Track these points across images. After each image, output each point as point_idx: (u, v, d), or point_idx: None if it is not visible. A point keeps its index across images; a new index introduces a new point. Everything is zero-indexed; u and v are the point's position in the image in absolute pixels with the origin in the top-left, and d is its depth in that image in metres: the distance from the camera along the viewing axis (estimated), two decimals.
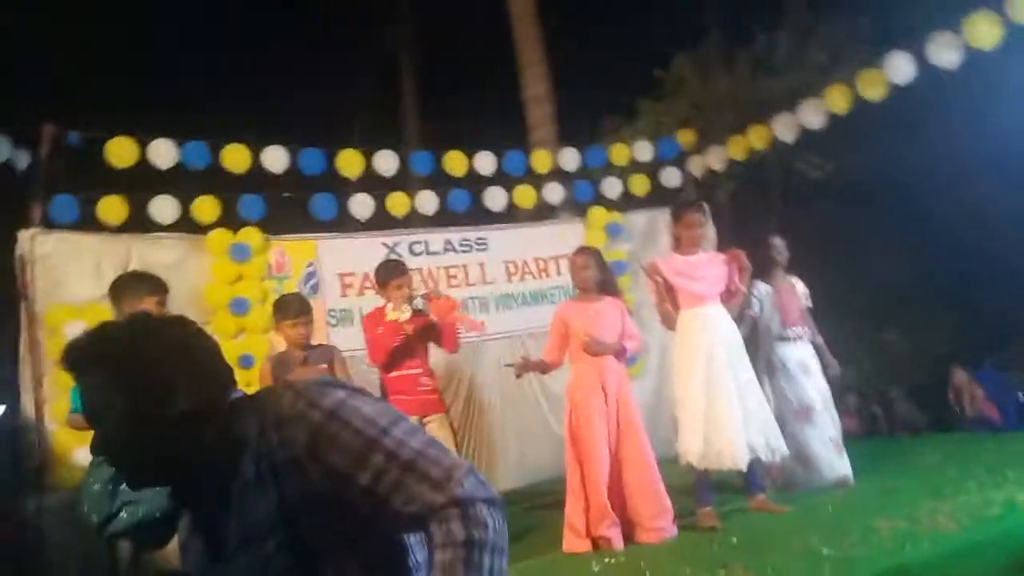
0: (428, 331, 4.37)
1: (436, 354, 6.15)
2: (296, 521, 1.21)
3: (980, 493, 4.04)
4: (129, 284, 3.63)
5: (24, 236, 5.02)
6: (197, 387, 1.29)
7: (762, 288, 5.07)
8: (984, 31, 4.93)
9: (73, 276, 5.10)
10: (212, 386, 1.32)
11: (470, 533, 1.18)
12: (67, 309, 4.90)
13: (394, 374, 4.32)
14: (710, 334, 4.40)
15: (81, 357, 1.31)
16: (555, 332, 4.40)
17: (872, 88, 5.72)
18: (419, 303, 4.44)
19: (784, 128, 6.44)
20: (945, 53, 5.16)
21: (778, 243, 5.23)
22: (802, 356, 5.03)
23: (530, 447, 6.47)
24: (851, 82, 5.88)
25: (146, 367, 1.27)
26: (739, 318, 4.73)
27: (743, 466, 4.25)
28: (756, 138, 6.72)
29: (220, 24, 11.59)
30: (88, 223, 5.26)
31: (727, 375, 4.33)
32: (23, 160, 5.11)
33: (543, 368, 4.44)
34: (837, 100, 5.96)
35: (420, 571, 1.31)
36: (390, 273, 4.39)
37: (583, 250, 4.59)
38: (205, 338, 1.37)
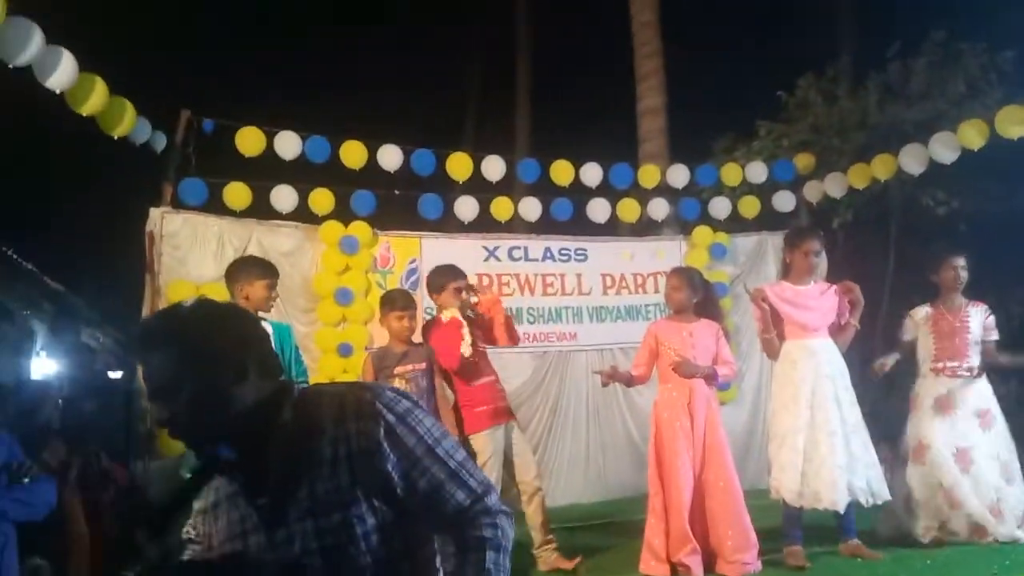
0: (484, 330, 4.29)
1: (523, 361, 6.25)
2: (364, 499, 1.38)
3: None
4: (243, 267, 3.88)
5: (155, 213, 5.39)
6: (266, 368, 1.43)
7: (920, 312, 4.66)
8: None
9: (196, 255, 5.43)
10: (276, 368, 1.46)
11: (497, 538, 1.42)
12: (188, 286, 5.21)
13: (474, 384, 4.22)
14: (816, 367, 4.20)
15: (155, 333, 1.40)
16: (645, 347, 4.32)
17: (1011, 126, 5.36)
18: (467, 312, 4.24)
19: (912, 160, 6.11)
20: None
21: (957, 263, 4.56)
22: (964, 392, 4.45)
23: (612, 461, 6.43)
24: (989, 118, 5.53)
25: (221, 345, 1.38)
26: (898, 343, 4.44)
27: (841, 508, 4.05)
28: (880, 167, 6.41)
29: (346, 30, 12.12)
30: (214, 206, 5.59)
31: (833, 412, 4.13)
32: (160, 143, 5.47)
33: (629, 381, 4.35)
34: (972, 136, 5.61)
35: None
36: (446, 276, 4.31)
37: (677, 271, 4.47)
38: (261, 327, 1.51)
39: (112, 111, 4.75)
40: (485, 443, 4.10)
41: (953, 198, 7.45)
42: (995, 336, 4.55)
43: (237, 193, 5.58)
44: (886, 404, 5.99)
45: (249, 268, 3.84)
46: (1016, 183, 7.71)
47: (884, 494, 4.17)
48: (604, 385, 4.39)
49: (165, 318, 1.45)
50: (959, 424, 4.41)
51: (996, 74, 7.43)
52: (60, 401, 5.20)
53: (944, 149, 5.88)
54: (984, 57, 7.51)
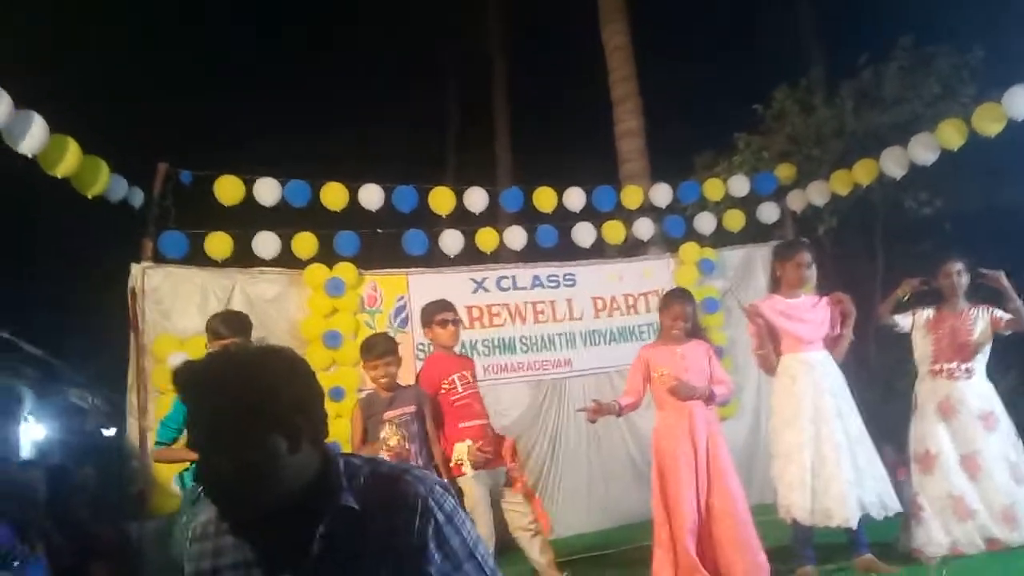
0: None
1: (519, 391, 6.18)
2: None
3: None
4: (213, 323, 3.81)
5: (136, 269, 5.33)
6: (318, 434, 1.32)
7: (924, 314, 4.56)
8: None
9: (180, 308, 5.37)
10: (325, 432, 1.35)
11: None
12: (173, 340, 5.15)
13: (462, 425, 4.13)
14: (815, 381, 4.14)
15: (200, 380, 1.29)
16: (635, 373, 4.23)
17: (988, 123, 5.37)
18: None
19: (892, 163, 6.12)
20: None
21: (951, 268, 4.46)
22: (963, 395, 4.37)
23: (616, 488, 6.31)
24: (965, 116, 5.54)
25: (275, 406, 1.26)
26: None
27: (854, 524, 3.97)
28: (862, 173, 6.42)
29: (319, 71, 12.12)
30: (195, 257, 5.53)
31: (836, 425, 4.06)
32: (138, 198, 5.43)
33: (618, 411, 4.19)
34: (951, 135, 5.62)
35: None
36: (430, 311, 4.30)
37: (677, 299, 4.25)
38: (318, 383, 1.40)
39: (86, 171, 4.71)
40: (470, 486, 4.01)
41: (936, 198, 7.47)
42: (1014, 307, 4.32)
43: (218, 243, 5.53)
44: (885, 407, 5.93)
45: (218, 325, 3.77)
46: (997, 179, 7.76)
47: (895, 505, 4.10)
48: (591, 421, 4.25)
49: (212, 361, 1.32)
50: (963, 428, 4.33)
51: (968, 72, 7.49)
52: (46, 474, 5.08)
53: (924, 150, 5.88)
54: (954, 57, 7.58)
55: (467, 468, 4.01)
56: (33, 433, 8.57)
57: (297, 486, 1.29)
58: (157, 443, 3.77)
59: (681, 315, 4.15)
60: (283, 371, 1.31)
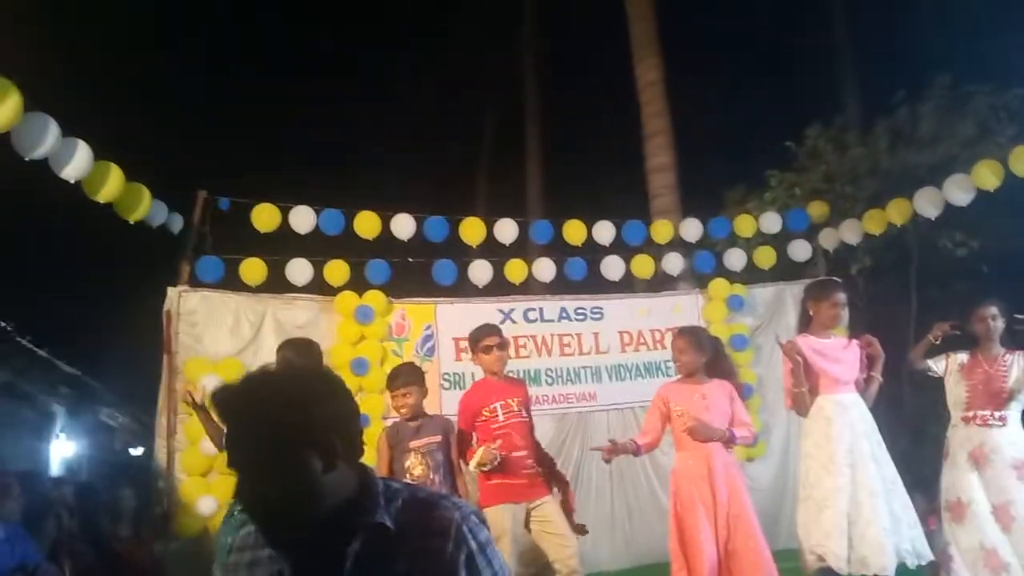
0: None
1: (543, 424, 6.14)
2: None
3: None
4: (284, 351, 3.74)
5: (172, 293, 5.45)
6: (354, 452, 1.34)
7: (958, 358, 4.47)
8: None
9: (212, 332, 5.47)
10: (361, 451, 1.38)
11: None
12: (205, 363, 5.23)
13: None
14: (851, 424, 4.04)
15: (234, 400, 1.30)
16: (653, 412, 4.15)
17: None
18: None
19: (927, 203, 6.06)
20: None
21: (986, 313, 4.38)
22: (997, 443, 4.23)
23: (639, 526, 6.23)
24: (1002, 157, 5.48)
25: (303, 414, 1.27)
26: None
27: (891, 572, 3.85)
28: (895, 212, 6.36)
29: (354, 99, 12.37)
30: (230, 282, 5.64)
31: (872, 470, 3.96)
32: (177, 224, 5.57)
33: (635, 451, 4.11)
34: (987, 176, 5.56)
35: None
36: (475, 335, 4.25)
37: (681, 332, 4.25)
38: (354, 400, 1.42)
39: (128, 197, 4.86)
40: (496, 519, 3.91)
41: (972, 239, 7.35)
42: None
43: (253, 269, 5.64)
44: (916, 452, 5.79)
45: (286, 354, 3.72)
46: None
47: (928, 554, 3.97)
48: (606, 461, 4.17)
49: (252, 385, 1.32)
50: (997, 478, 4.21)
51: (1006, 113, 7.41)
52: (75, 492, 5.16)
53: (959, 191, 5.82)
54: (992, 97, 7.50)
55: (474, 467, 3.94)
56: (63, 450, 8.73)
57: (333, 504, 1.30)
58: None
59: (679, 348, 4.10)
60: (316, 390, 1.33)
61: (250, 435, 1.28)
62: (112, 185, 4.65)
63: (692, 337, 4.16)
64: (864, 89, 10.53)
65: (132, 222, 4.99)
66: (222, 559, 3.16)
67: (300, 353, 3.69)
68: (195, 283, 5.56)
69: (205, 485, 5.03)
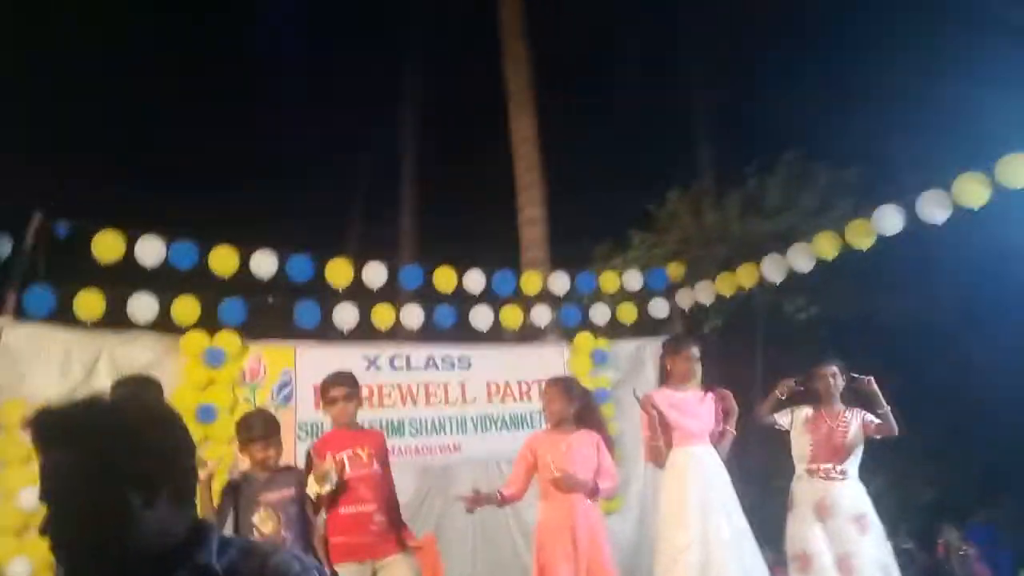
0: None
1: (404, 476, 5.93)
2: None
3: None
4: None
5: None
6: (183, 493, 1.24)
7: (802, 412, 4.73)
8: (972, 191, 5.03)
9: (39, 371, 4.92)
10: (188, 484, 1.28)
11: None
12: (25, 405, 4.67)
13: (339, 511, 3.82)
14: (704, 476, 4.18)
15: (51, 425, 1.19)
16: (521, 463, 4.16)
17: (860, 237, 5.78)
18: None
19: (772, 268, 6.47)
20: (934, 209, 5.24)
21: (826, 371, 4.70)
22: (839, 496, 4.49)
23: None
24: (840, 229, 5.96)
25: (123, 445, 1.18)
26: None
27: None
28: (744, 276, 6.75)
29: (218, 123, 11.70)
30: (63, 316, 5.12)
31: (723, 521, 4.09)
32: (5, 247, 5.02)
33: (499, 502, 4.11)
34: (825, 246, 6.02)
35: None
36: (326, 383, 4.02)
37: (552, 382, 4.32)
38: (191, 438, 1.33)
39: None
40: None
41: (812, 304, 7.94)
42: (882, 412, 4.57)
43: (89, 302, 5.14)
44: (763, 507, 6.06)
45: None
46: (869, 288, 8.35)
47: None
48: (469, 511, 4.11)
49: (75, 409, 1.21)
50: (839, 530, 4.46)
51: (844, 188, 8.13)
52: None
53: (801, 258, 6.26)
54: (832, 174, 8.23)
55: (317, 487, 3.68)
56: None
57: (154, 546, 1.18)
58: None
59: (549, 397, 4.15)
60: (142, 420, 1.23)
61: (61, 463, 1.16)
62: None
63: (562, 386, 4.21)
64: (721, 156, 11.28)
65: None
66: None
67: (138, 391, 3.37)
68: (21, 315, 5.00)
69: (18, 543, 4.46)
